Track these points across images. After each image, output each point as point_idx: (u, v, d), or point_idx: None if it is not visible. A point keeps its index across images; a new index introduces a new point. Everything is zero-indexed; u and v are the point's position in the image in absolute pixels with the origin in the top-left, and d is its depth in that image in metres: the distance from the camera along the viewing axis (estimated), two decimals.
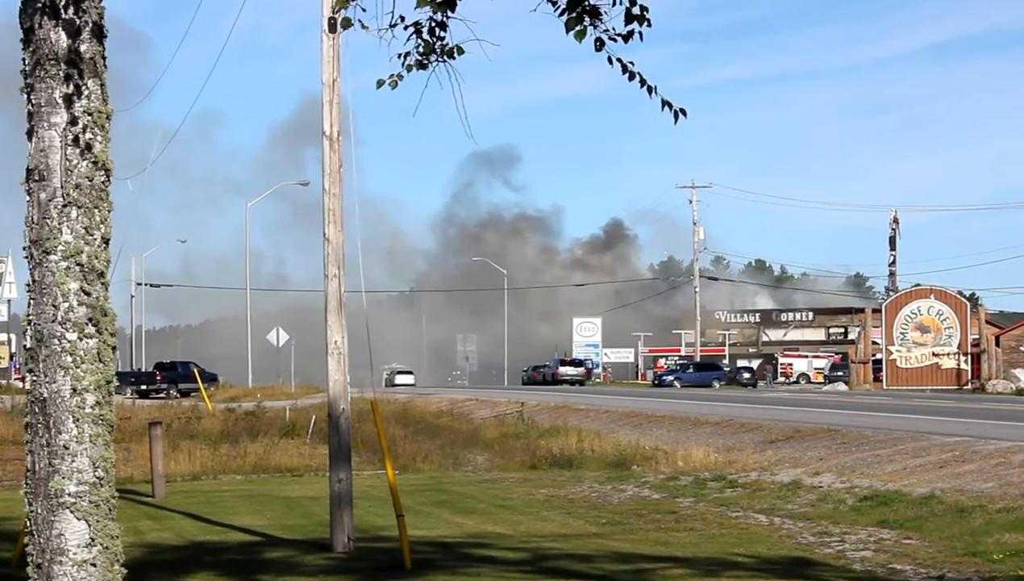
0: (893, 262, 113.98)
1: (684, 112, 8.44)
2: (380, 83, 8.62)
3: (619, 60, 8.23)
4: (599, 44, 8.10)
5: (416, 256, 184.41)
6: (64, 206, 6.46)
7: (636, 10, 8.03)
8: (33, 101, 6.50)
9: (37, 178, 6.50)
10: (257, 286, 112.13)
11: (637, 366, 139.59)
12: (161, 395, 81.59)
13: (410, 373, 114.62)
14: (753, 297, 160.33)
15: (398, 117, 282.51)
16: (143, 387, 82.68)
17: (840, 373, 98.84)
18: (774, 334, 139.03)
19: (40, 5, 6.40)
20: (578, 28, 7.96)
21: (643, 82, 8.30)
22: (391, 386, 62.97)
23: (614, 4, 8.01)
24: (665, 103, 8.38)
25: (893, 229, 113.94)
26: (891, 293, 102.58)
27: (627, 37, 8.07)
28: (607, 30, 8.09)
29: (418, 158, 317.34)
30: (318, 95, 18.36)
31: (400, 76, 8.54)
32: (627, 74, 8.27)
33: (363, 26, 8.38)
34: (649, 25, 8.06)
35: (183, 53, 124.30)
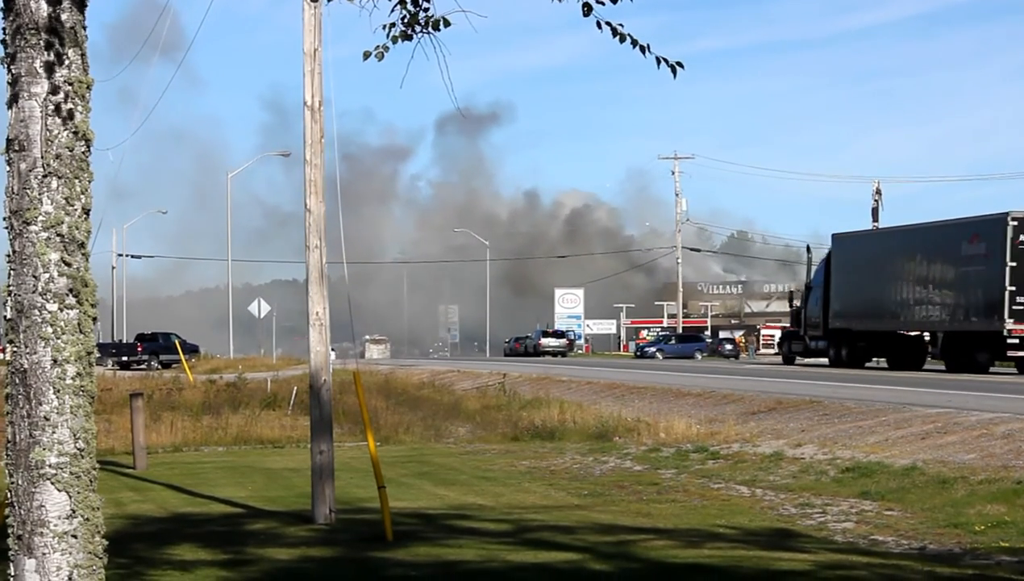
0: None
1: (681, 65, 8.32)
2: (367, 54, 8.54)
3: (608, 23, 8.14)
4: (587, 9, 8.02)
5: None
6: (44, 177, 6.40)
7: None
8: (13, 71, 6.44)
9: (17, 148, 6.44)
10: (239, 258, 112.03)
11: (619, 338, 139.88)
12: (142, 366, 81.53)
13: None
14: (735, 268, 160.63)
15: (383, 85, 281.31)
16: (124, 358, 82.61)
17: None
18: (756, 305, 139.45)
19: None
20: None
21: (635, 43, 8.20)
22: None
23: None
24: (660, 59, 8.27)
25: (876, 200, 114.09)
26: None
27: None
28: None
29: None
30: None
31: (386, 47, 8.46)
32: (618, 37, 8.17)
33: None
34: None
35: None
